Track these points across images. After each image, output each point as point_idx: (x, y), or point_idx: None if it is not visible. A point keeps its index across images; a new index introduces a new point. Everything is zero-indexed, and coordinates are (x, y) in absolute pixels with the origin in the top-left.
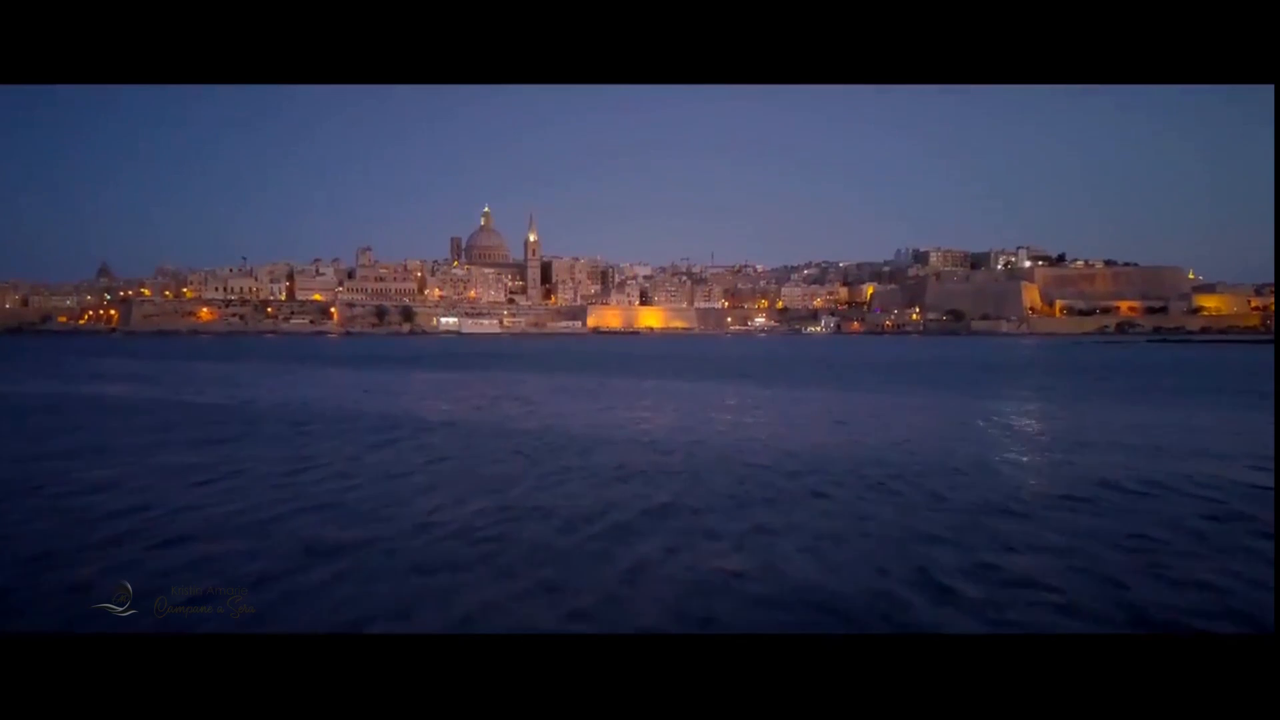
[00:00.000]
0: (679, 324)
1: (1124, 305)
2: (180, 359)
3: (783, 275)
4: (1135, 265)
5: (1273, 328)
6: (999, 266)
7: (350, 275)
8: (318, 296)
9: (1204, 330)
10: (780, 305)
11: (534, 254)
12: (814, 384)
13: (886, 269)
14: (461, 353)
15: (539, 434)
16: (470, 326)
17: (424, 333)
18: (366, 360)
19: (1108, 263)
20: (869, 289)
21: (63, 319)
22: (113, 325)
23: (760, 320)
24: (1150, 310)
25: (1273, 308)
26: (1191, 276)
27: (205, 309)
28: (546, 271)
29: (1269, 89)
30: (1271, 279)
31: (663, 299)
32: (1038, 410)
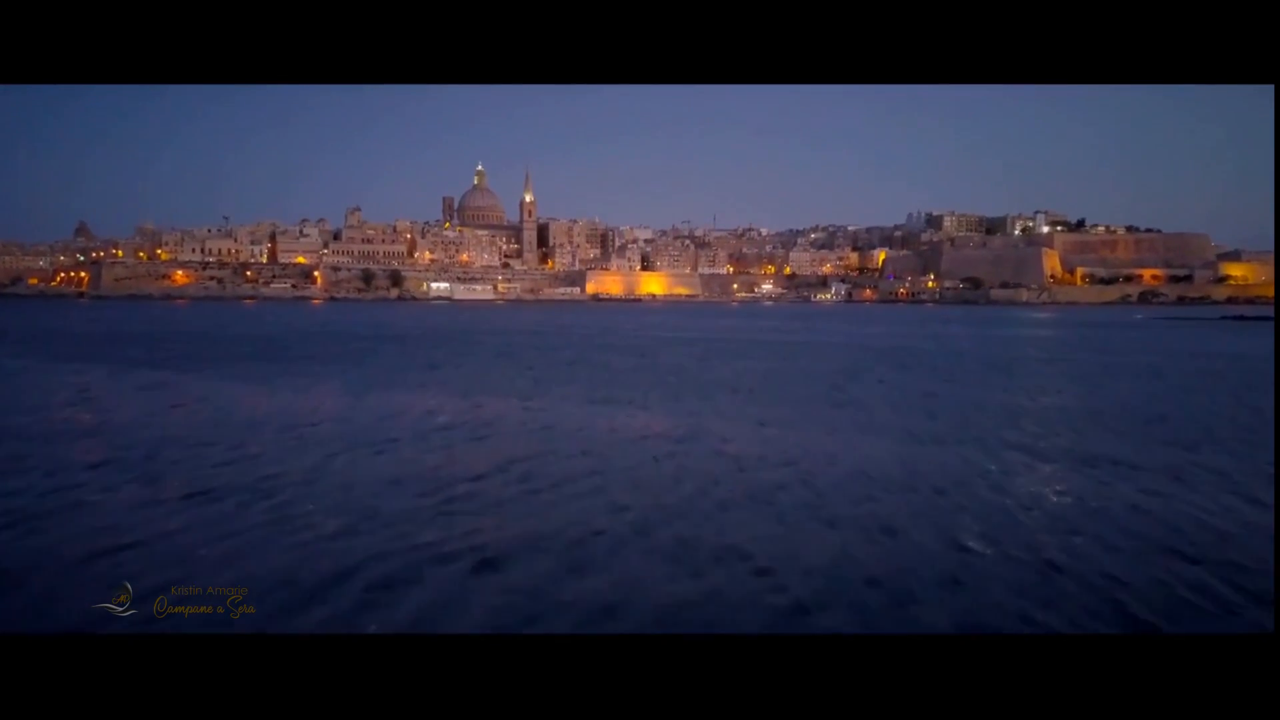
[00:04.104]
0: (682, 290)
1: (1147, 274)
2: (67, 360)
3: (789, 239)
4: (1158, 231)
5: None
6: (1016, 232)
7: (336, 236)
8: (301, 259)
9: (1229, 300)
10: (788, 271)
11: (530, 215)
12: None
13: (898, 234)
14: (444, 331)
15: None
16: (463, 293)
17: (414, 299)
18: (315, 352)
19: (1129, 229)
20: (880, 254)
21: (34, 281)
22: (83, 289)
23: (768, 287)
24: (1174, 279)
25: None
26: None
27: (180, 272)
28: (543, 234)
29: (1269, 89)
30: None
31: (665, 264)
32: None
